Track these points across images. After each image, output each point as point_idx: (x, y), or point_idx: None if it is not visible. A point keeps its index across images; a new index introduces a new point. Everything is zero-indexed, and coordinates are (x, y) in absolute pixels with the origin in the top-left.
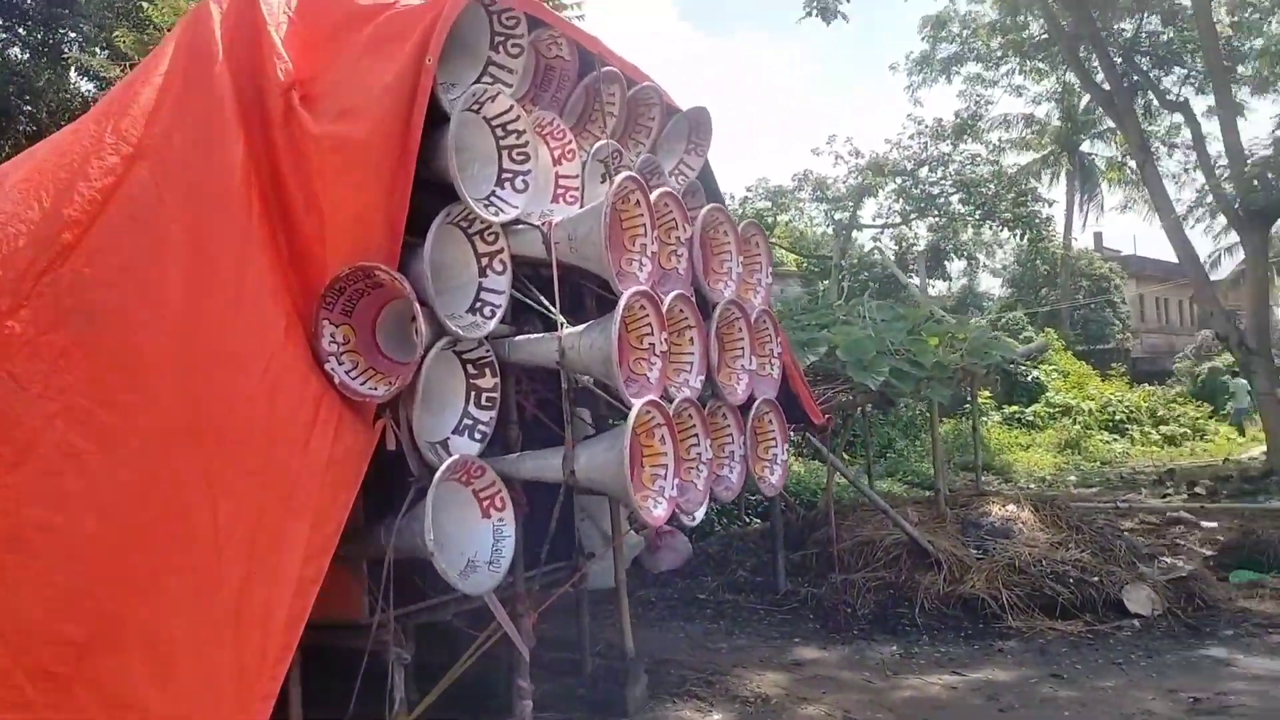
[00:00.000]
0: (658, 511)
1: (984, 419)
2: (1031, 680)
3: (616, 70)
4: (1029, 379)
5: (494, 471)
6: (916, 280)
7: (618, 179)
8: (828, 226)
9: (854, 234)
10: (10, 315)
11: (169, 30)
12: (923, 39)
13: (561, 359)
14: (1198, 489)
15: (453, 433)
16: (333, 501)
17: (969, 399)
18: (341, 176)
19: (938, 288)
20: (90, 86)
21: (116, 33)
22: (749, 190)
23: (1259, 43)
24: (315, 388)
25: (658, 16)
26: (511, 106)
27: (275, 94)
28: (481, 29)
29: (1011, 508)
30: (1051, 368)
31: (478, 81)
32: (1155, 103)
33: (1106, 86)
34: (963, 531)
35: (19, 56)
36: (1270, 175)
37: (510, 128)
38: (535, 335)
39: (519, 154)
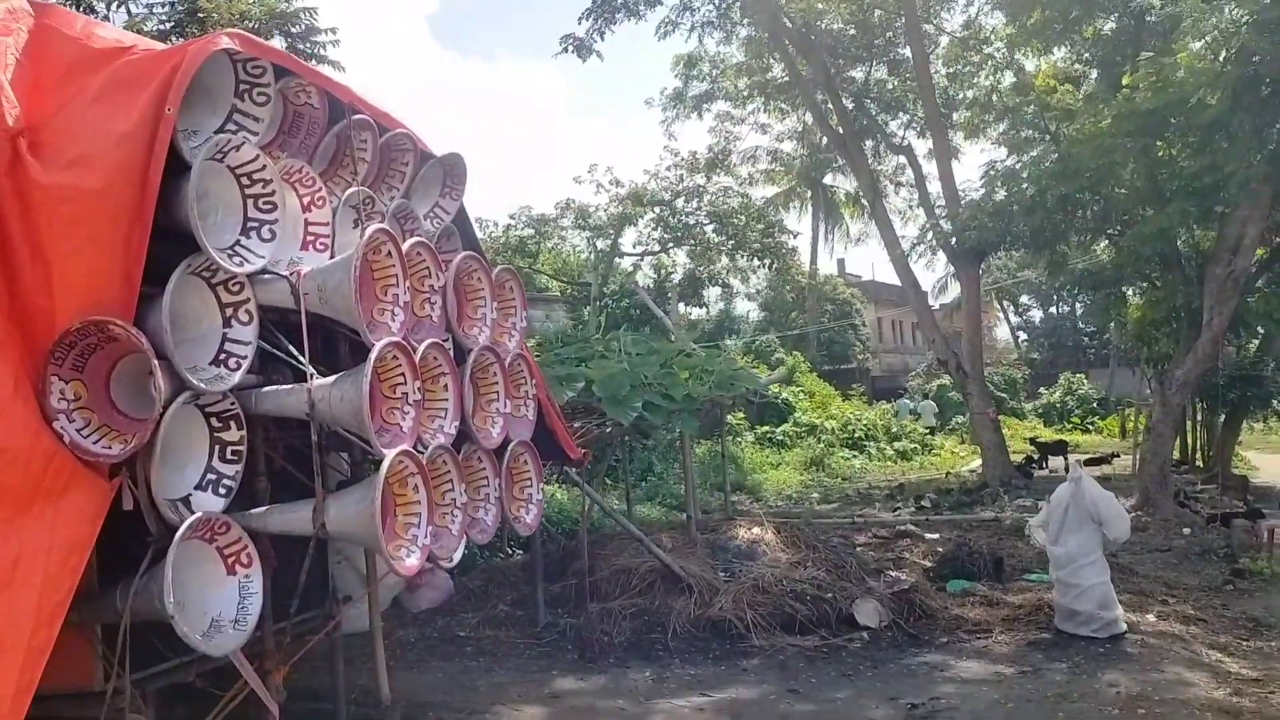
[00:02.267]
0: (410, 561)
1: (738, 439)
2: (771, 697)
3: (368, 118)
4: (779, 400)
5: (239, 527)
6: (675, 310)
7: (368, 231)
8: (589, 254)
9: (616, 261)
10: None
11: None
12: (675, 76)
13: (311, 411)
14: (924, 502)
15: (196, 488)
16: (62, 567)
17: (721, 423)
18: (72, 227)
19: (696, 313)
20: None
21: None
22: (512, 218)
23: (970, 93)
24: (45, 447)
25: (410, 38)
26: (257, 155)
27: (2, 140)
28: (226, 77)
29: (756, 530)
30: (799, 389)
31: (221, 129)
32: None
33: (840, 130)
34: (712, 555)
35: None
36: (978, 217)
37: (256, 176)
38: (284, 387)
39: (265, 203)
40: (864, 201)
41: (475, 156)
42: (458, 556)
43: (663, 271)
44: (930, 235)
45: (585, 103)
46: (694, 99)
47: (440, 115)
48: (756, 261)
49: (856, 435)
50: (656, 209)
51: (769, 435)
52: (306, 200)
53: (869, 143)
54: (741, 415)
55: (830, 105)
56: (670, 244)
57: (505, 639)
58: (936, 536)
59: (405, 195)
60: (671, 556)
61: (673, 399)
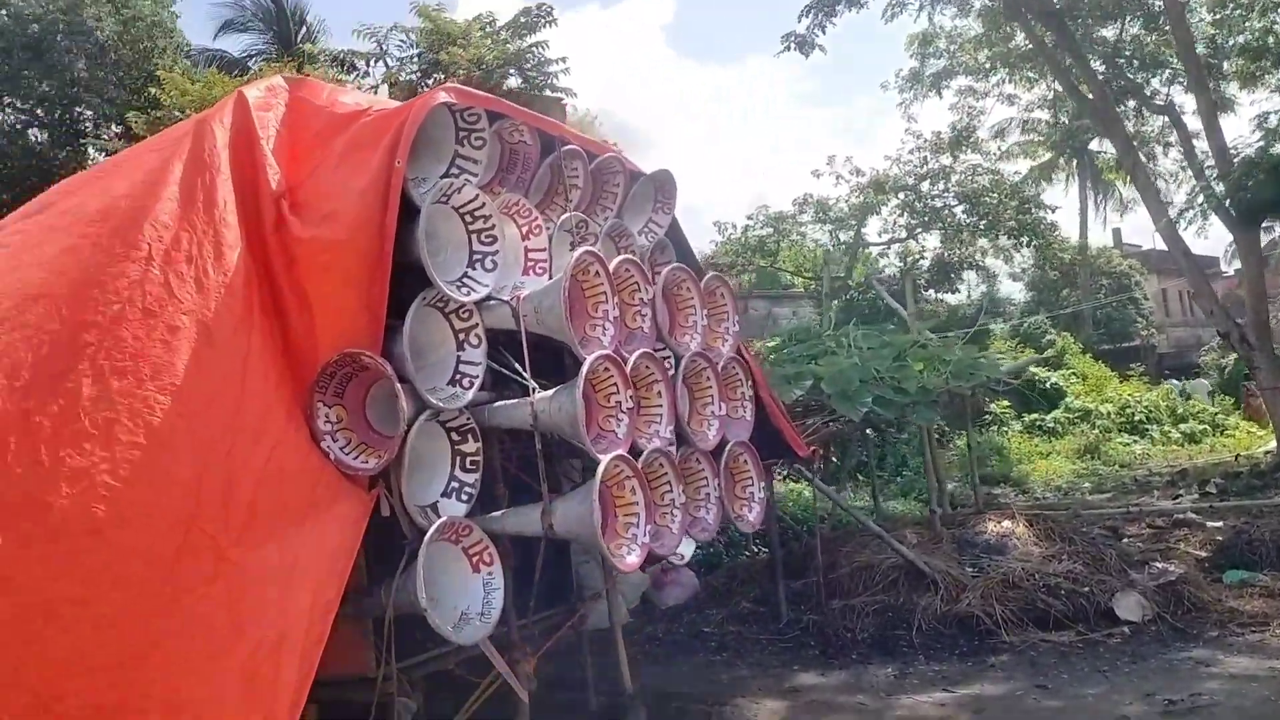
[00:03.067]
0: (630, 558)
1: (1003, 429)
2: (1018, 692)
3: (577, 147)
4: (1048, 385)
5: (480, 529)
6: (920, 298)
7: (575, 254)
8: (832, 247)
9: (860, 252)
10: (38, 412)
11: (176, 109)
12: (910, 56)
13: (534, 422)
14: (1209, 488)
15: (441, 495)
16: (331, 570)
17: (985, 412)
18: (326, 274)
19: (951, 300)
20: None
21: (129, 113)
22: (749, 218)
23: (1241, 38)
24: (315, 464)
25: (648, 49)
26: (477, 195)
27: (269, 202)
28: (446, 127)
29: (1007, 524)
30: (1070, 371)
31: (445, 175)
32: None
33: (1091, 95)
34: (959, 550)
35: (38, 137)
36: (1255, 176)
37: (477, 214)
38: (510, 401)
39: (487, 237)
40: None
41: (715, 160)
42: (687, 553)
43: (909, 259)
44: (1200, 199)
45: (819, 93)
46: (932, 77)
47: (680, 120)
48: (1014, 240)
49: (1136, 419)
50: (901, 195)
51: (1038, 423)
52: (525, 229)
53: (1129, 104)
54: (1006, 404)
55: (1079, 70)
56: (918, 229)
57: (747, 635)
58: (1220, 525)
59: (618, 214)
60: (915, 553)
61: (906, 392)
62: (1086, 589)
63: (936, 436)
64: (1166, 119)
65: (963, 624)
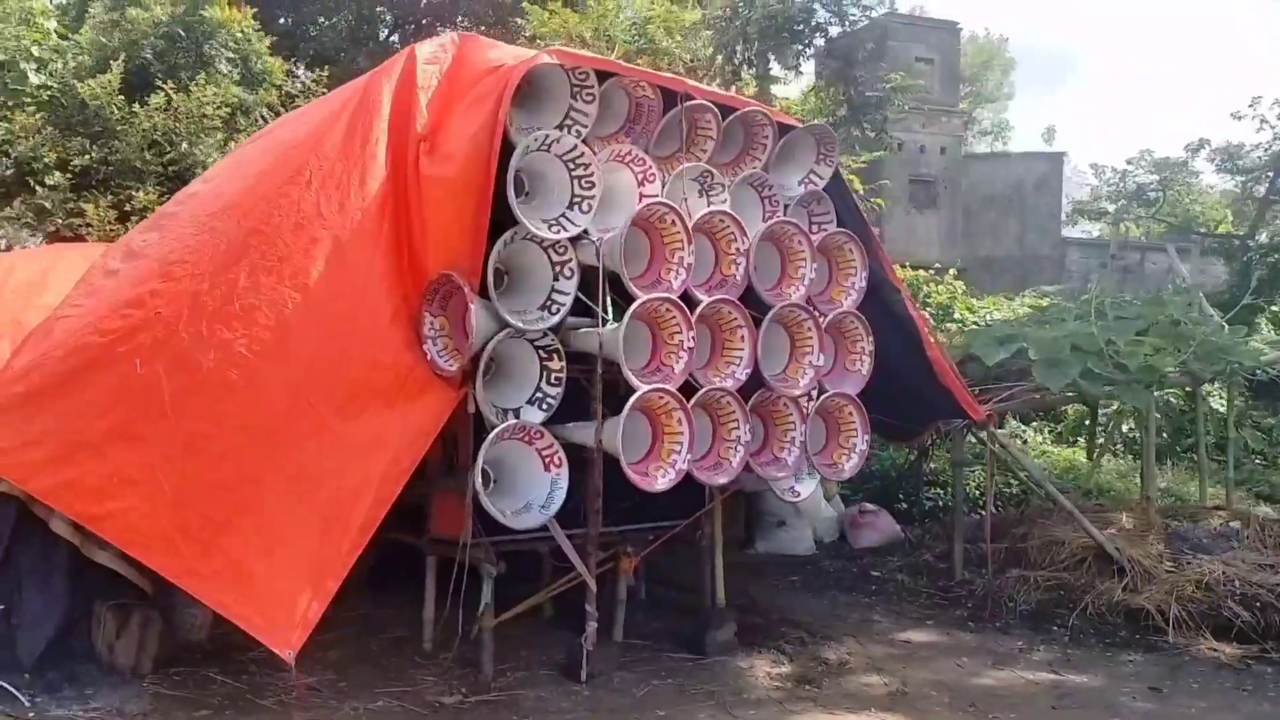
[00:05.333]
0: (660, 481)
1: None
2: (1124, 691)
3: (704, 101)
4: None
5: (550, 435)
6: None
7: (642, 205)
8: (1239, 199)
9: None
10: (207, 294)
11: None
12: None
13: (600, 349)
14: None
15: (526, 403)
16: (411, 445)
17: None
18: (440, 206)
19: None
20: None
21: None
22: (1129, 163)
23: None
24: (408, 360)
25: None
26: (576, 145)
27: (413, 143)
28: (562, 83)
29: (1236, 523)
30: None
31: (560, 125)
32: None
33: None
34: (1168, 542)
35: None
36: None
37: (578, 161)
38: (586, 329)
39: (586, 182)
40: None
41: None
42: (804, 490)
43: None
44: None
45: None
46: None
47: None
48: None
49: None
50: None
51: None
52: (640, 176)
53: None
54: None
55: None
56: None
57: (911, 586)
58: None
59: (765, 166)
60: (1111, 537)
61: (1125, 369)
62: None
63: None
64: None
65: (1132, 616)
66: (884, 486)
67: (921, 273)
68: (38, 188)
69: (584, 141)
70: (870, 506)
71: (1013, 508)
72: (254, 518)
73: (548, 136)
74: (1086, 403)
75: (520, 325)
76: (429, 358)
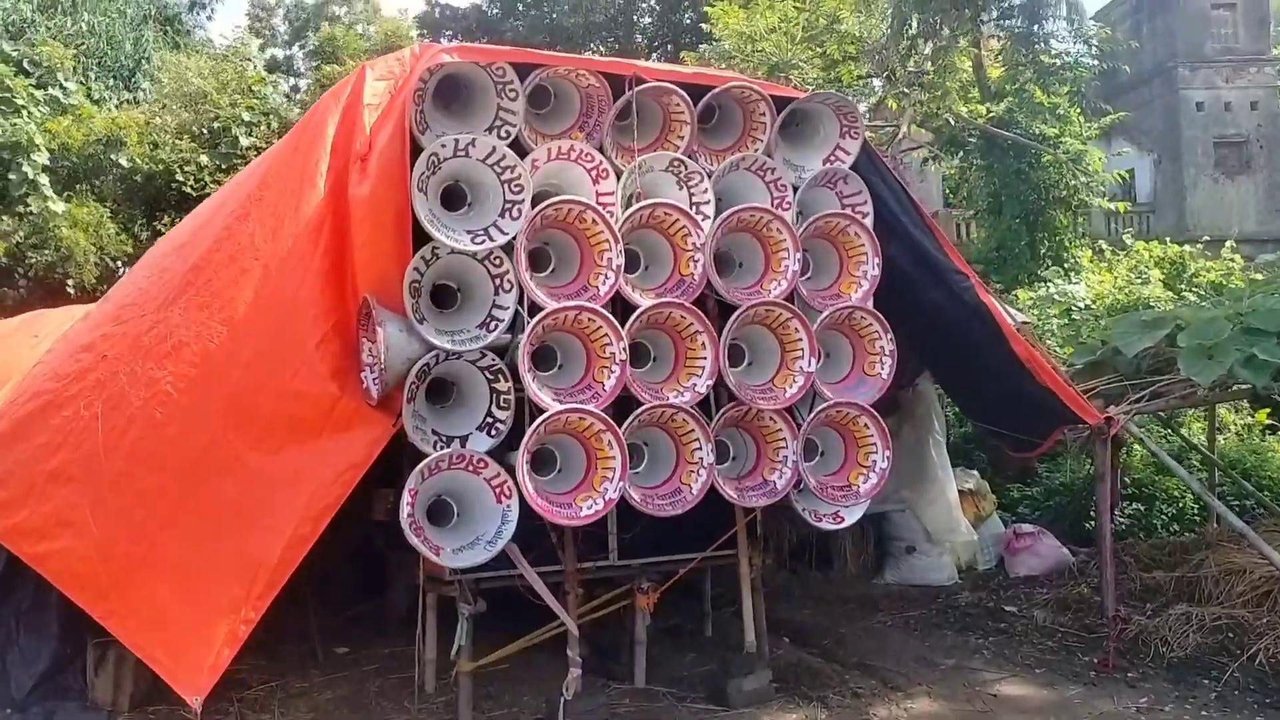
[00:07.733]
0: (585, 511)
1: None
2: None
3: (666, 84)
4: None
5: (496, 464)
6: None
7: (542, 205)
8: None
9: None
10: (146, 335)
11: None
12: None
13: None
14: None
15: (475, 429)
16: (334, 480)
17: None
18: (363, 225)
19: None
20: None
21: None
22: None
23: None
24: (332, 391)
25: None
26: (495, 148)
27: (351, 161)
28: (487, 85)
29: None
30: None
31: (489, 128)
32: None
33: None
34: None
35: None
36: None
37: (502, 165)
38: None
39: (516, 186)
40: None
41: None
42: (850, 517)
43: None
44: None
45: None
46: None
47: None
48: None
49: None
50: None
51: None
52: (593, 174)
53: None
54: None
55: None
56: None
57: (1048, 624)
58: None
59: (768, 147)
60: None
61: None
62: None
63: None
64: None
65: None
66: (1068, 502)
67: (1188, 248)
68: None
69: (514, 141)
70: (1028, 527)
71: (1189, 533)
72: (170, 558)
73: (458, 142)
74: (1259, 397)
75: (448, 346)
76: (364, 386)
